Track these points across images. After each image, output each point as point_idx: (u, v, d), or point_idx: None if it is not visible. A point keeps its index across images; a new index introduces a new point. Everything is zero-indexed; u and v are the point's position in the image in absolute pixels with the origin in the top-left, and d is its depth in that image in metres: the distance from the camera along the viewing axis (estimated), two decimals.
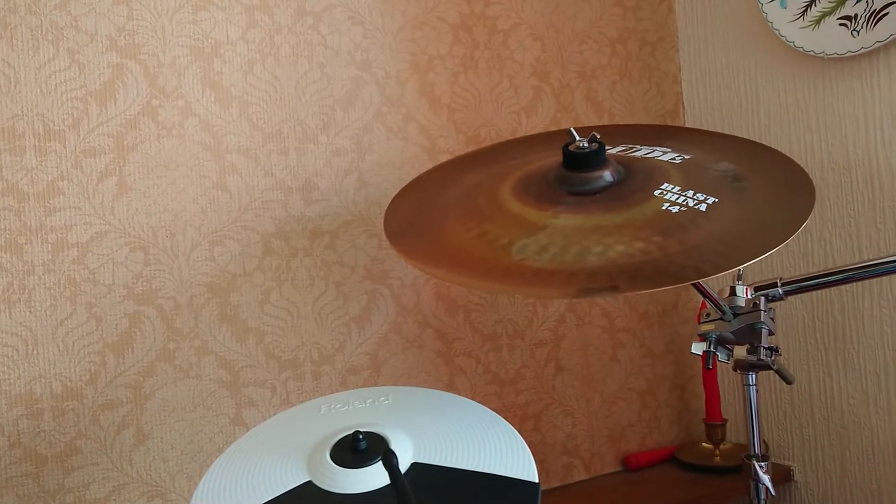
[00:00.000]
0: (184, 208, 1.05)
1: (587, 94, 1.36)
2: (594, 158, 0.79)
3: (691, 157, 0.85)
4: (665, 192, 0.75)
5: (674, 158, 0.84)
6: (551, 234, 0.73)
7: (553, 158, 0.86)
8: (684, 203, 0.73)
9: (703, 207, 0.73)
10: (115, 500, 1.00)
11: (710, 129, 1.37)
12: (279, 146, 1.11)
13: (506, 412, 1.26)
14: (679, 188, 0.75)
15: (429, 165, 1.19)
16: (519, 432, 1.25)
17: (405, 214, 0.87)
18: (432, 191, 0.91)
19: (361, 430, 0.72)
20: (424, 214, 0.86)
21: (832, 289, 1.22)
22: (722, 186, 0.78)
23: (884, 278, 1.15)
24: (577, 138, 0.81)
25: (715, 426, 1.34)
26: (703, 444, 1.37)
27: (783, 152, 0.95)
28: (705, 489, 1.25)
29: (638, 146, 0.89)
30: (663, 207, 0.73)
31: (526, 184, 0.83)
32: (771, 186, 0.80)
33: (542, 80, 1.32)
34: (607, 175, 0.79)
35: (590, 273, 0.67)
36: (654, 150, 0.87)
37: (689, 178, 0.78)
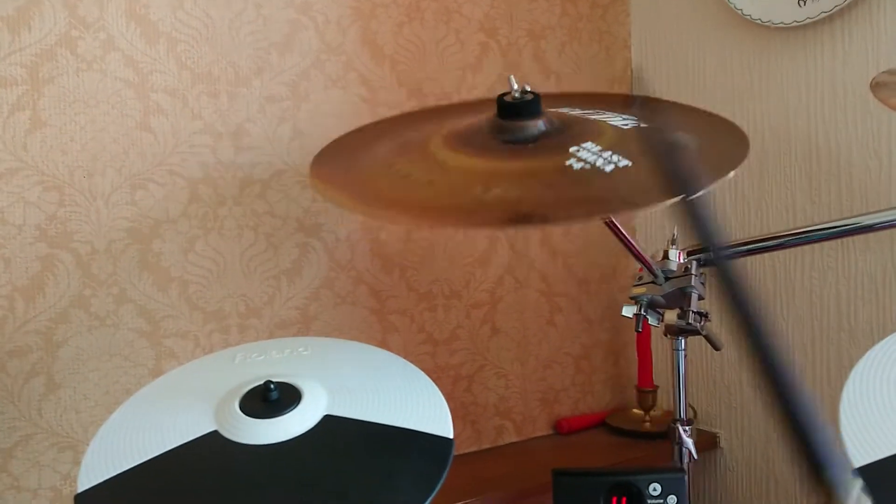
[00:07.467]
0: (103, 148, 0.99)
1: (535, 53, 1.33)
2: (526, 108, 0.77)
3: (646, 126, 0.83)
4: (580, 150, 0.73)
5: (625, 124, 0.82)
6: (451, 173, 0.72)
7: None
8: (593, 162, 0.71)
9: (608, 168, 0.71)
10: (21, 450, 0.95)
11: (661, 96, 1.36)
12: (209, 88, 1.06)
13: (439, 372, 1.25)
14: (600, 148, 0.74)
15: (368, 117, 1.15)
16: (451, 393, 1.23)
17: (333, 159, 0.84)
18: (364, 141, 0.88)
19: (274, 379, 0.69)
20: (353, 159, 0.82)
21: (766, 259, 1.23)
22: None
23: (815, 249, 1.16)
24: (515, 87, 0.79)
25: (646, 392, 1.35)
26: (634, 410, 1.38)
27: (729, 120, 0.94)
28: (634, 454, 1.26)
29: (603, 111, 0.86)
30: (567, 163, 0.71)
31: (457, 132, 0.80)
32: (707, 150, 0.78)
33: (489, 36, 1.28)
34: (533, 126, 0.76)
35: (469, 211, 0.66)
36: (611, 115, 0.84)
37: (621, 141, 0.76)
